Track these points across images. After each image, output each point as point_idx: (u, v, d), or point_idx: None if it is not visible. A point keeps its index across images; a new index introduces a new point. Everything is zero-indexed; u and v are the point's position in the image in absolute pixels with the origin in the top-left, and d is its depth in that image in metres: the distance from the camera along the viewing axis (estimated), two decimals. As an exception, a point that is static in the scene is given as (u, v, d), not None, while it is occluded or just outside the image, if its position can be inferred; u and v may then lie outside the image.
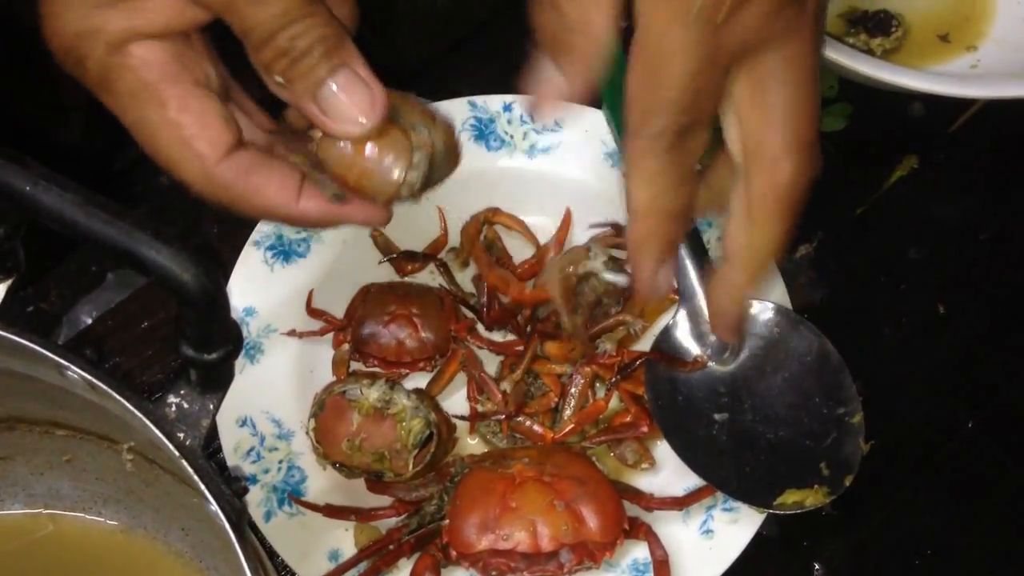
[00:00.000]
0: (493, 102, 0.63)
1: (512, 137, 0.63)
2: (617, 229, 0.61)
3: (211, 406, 0.38)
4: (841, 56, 0.57)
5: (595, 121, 0.63)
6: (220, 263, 0.59)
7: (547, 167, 0.63)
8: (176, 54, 0.39)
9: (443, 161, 0.43)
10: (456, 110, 0.63)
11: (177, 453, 0.36)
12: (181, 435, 0.37)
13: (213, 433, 0.54)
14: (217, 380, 0.38)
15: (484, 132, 0.63)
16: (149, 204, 0.68)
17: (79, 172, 0.36)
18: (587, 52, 0.39)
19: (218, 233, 0.64)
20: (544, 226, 0.64)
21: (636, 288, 0.46)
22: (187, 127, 0.38)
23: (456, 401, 0.60)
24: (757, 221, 0.44)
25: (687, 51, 0.38)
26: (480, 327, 0.61)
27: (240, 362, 0.57)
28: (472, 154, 0.63)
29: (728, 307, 0.49)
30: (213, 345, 0.36)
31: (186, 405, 0.38)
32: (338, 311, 0.60)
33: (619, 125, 0.61)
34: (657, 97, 0.39)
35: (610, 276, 0.58)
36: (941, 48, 0.69)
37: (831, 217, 0.67)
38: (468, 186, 0.63)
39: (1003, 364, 0.63)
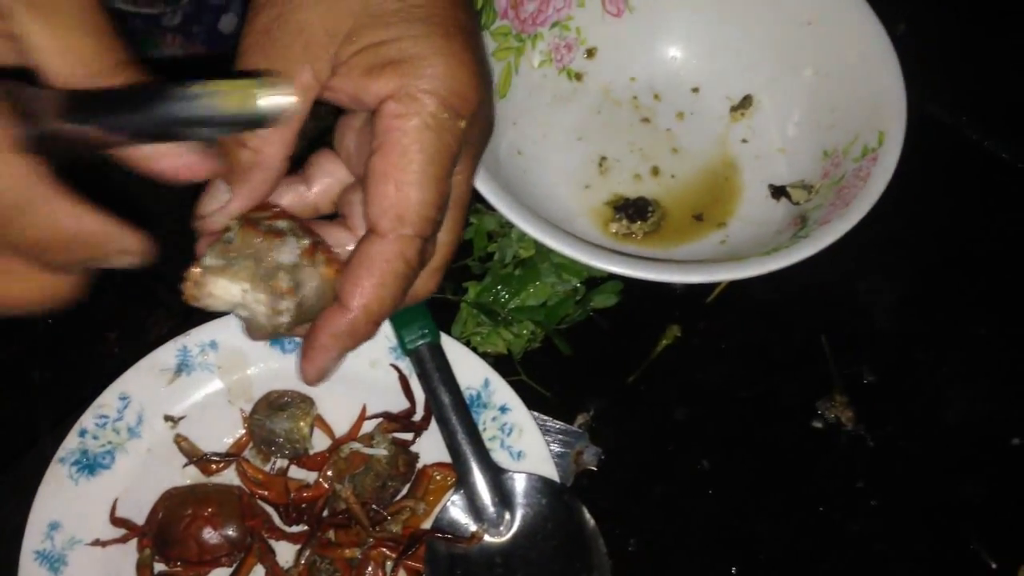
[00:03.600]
0: (286, 309, 0.70)
1: (305, 339, 0.70)
2: (388, 416, 0.67)
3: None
4: (575, 252, 0.65)
5: (380, 319, 0.70)
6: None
7: (339, 364, 0.70)
8: None
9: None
10: (252, 319, 0.70)
11: None
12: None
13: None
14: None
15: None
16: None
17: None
18: (258, 176, 0.50)
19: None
20: (339, 420, 0.70)
21: (304, 367, 0.52)
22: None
23: (257, 592, 0.65)
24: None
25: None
26: (277, 519, 0.66)
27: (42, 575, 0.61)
28: (270, 357, 0.69)
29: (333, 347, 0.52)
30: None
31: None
32: (145, 517, 0.65)
33: (397, 320, 0.68)
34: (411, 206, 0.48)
35: (368, 451, 0.65)
36: (696, 226, 0.78)
37: (606, 386, 0.74)
38: (268, 386, 0.69)
39: (764, 514, 0.70)
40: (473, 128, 0.50)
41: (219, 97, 0.39)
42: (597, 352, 0.75)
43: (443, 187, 0.49)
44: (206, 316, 0.69)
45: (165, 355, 0.68)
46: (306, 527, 0.65)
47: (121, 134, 0.40)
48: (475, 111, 0.50)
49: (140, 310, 0.77)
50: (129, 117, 0.39)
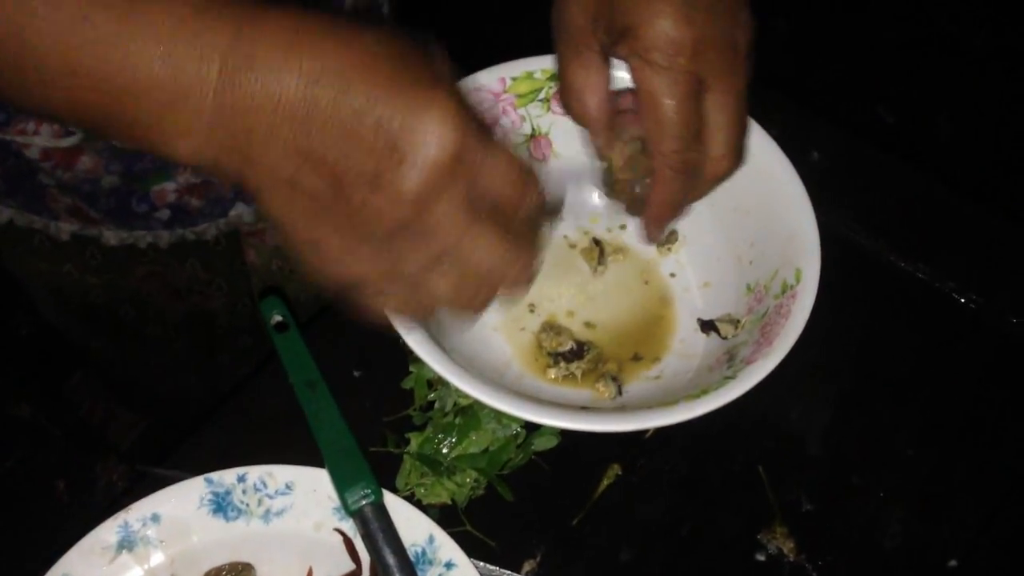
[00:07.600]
0: (227, 476, 0.70)
1: (248, 505, 0.70)
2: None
3: None
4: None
5: (321, 480, 0.70)
6: None
7: (283, 528, 0.70)
8: None
9: None
10: (192, 488, 0.70)
11: None
12: None
13: None
14: None
15: (222, 504, 0.70)
16: None
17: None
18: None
19: None
20: (286, 583, 0.70)
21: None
22: None
23: None
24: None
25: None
26: None
27: None
28: (212, 527, 0.69)
29: (663, 215, 0.73)
30: None
31: None
32: None
33: (339, 482, 0.69)
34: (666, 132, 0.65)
35: None
36: (633, 365, 0.80)
37: (551, 530, 0.75)
38: (213, 557, 0.69)
39: (711, 651, 0.71)
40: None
41: None
42: (540, 496, 0.76)
43: None
44: (154, 485, 0.70)
45: (106, 532, 0.68)
46: None
47: None
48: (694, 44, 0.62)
49: (88, 457, 0.77)
50: None
